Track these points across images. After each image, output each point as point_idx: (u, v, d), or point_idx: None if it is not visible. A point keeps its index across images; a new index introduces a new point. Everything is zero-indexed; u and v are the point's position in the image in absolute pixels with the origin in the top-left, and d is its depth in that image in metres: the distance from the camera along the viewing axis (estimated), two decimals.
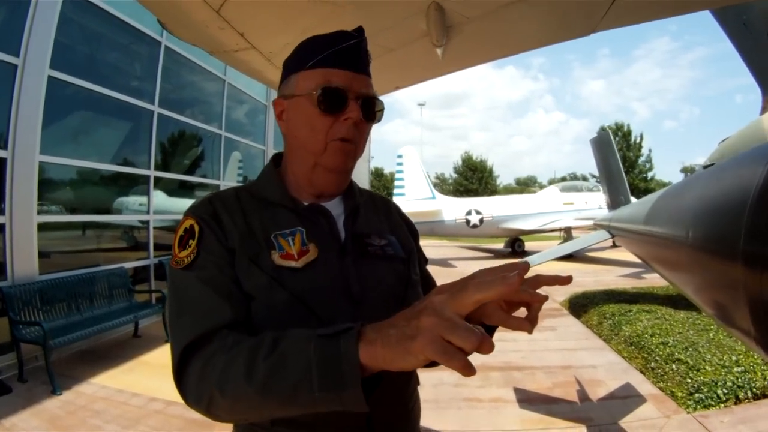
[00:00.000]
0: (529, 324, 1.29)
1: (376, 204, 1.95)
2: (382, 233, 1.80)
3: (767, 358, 1.92)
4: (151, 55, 11.46)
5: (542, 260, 14.07)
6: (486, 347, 0.91)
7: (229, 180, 15.63)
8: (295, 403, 1.14)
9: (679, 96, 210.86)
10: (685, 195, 3.01)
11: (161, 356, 8.52)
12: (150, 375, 7.44)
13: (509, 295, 1.22)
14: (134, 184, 11.50)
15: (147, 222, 11.48)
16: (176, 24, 2.48)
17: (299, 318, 1.44)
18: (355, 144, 1.63)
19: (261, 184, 1.75)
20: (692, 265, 2.59)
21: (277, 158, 1.84)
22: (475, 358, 0.94)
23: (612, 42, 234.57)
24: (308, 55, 1.62)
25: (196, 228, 1.53)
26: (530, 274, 1.18)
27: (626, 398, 6.83)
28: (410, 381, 1.71)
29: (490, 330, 1.55)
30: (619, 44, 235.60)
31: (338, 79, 1.57)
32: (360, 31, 1.66)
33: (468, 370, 0.92)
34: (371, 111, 1.65)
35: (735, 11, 6.47)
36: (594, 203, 27.04)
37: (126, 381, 7.23)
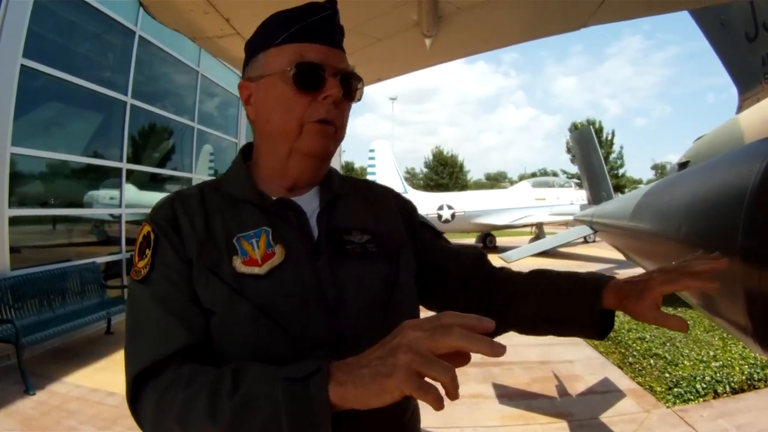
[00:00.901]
0: (685, 324, 1.30)
1: (363, 194, 1.71)
2: (365, 228, 1.57)
3: (764, 354, 1.91)
4: (125, 45, 11.29)
5: (521, 256, 14.19)
6: (454, 385, 0.90)
7: (200, 173, 15.44)
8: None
9: (651, 94, 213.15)
10: (676, 191, 3.01)
11: None
12: (120, 372, 7.23)
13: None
14: (106, 177, 11.35)
15: (119, 216, 11.35)
16: (159, 7, 2.39)
17: (265, 333, 1.29)
18: (335, 125, 1.45)
19: (227, 179, 1.57)
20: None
21: (247, 150, 1.65)
22: None
23: (585, 39, 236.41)
24: (276, 30, 1.46)
25: (152, 236, 1.39)
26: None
27: (605, 393, 6.89)
28: (409, 406, 1.56)
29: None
30: (593, 41, 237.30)
31: (313, 53, 1.41)
32: (332, 1, 1.49)
33: (440, 403, 0.90)
34: (350, 89, 1.48)
35: (713, 11, 6.51)
36: (566, 199, 27.26)
37: (100, 380, 7.12)
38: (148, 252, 1.36)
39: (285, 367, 1.07)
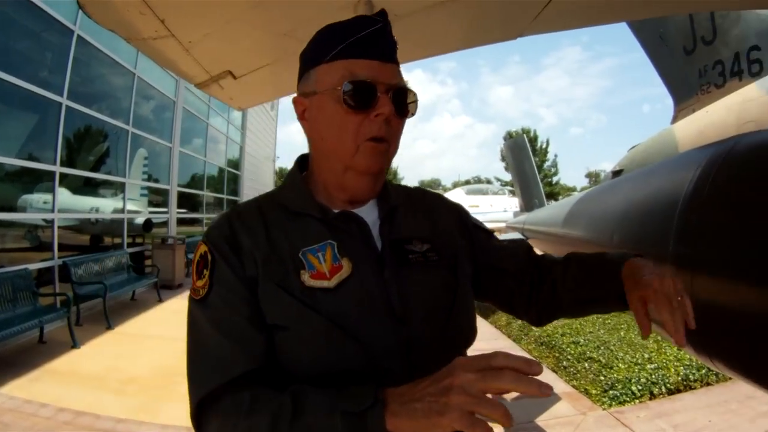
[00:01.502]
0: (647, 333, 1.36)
1: (415, 202, 1.70)
2: (423, 237, 1.57)
3: (697, 356, 1.97)
4: (63, 44, 10.94)
5: None
6: (508, 418, 0.93)
7: (134, 178, 15.14)
8: None
9: (586, 104, 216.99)
10: (608, 199, 3.07)
11: (68, 363, 8.20)
12: (57, 383, 7.14)
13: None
14: (39, 181, 10.95)
15: (51, 221, 10.94)
16: (95, 7, 2.34)
17: (337, 345, 1.29)
18: (388, 142, 1.41)
19: (284, 191, 1.55)
20: None
21: (303, 161, 1.63)
22: None
23: (523, 49, 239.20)
24: (326, 46, 1.42)
25: (209, 257, 1.38)
26: None
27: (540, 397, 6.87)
28: None
29: None
30: (530, 52, 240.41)
31: (364, 70, 1.36)
32: (383, 14, 1.46)
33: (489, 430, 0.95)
34: (404, 104, 1.43)
35: (652, 24, 6.68)
36: (499, 206, 27.49)
37: (33, 390, 6.91)
38: (206, 272, 1.36)
39: (343, 393, 1.11)
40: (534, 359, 1.07)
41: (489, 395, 0.96)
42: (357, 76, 1.34)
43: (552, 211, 6.06)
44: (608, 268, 1.57)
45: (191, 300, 1.38)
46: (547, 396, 0.95)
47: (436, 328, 1.39)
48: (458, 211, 1.82)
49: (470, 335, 1.53)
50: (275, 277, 1.33)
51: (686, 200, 1.87)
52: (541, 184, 13.40)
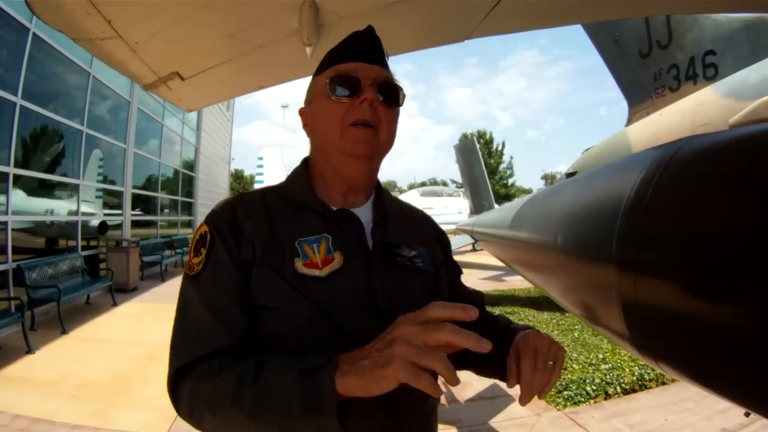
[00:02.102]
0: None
1: (407, 214, 1.90)
2: (411, 244, 1.73)
3: (642, 358, 1.98)
4: (18, 42, 10.82)
5: None
6: (450, 372, 1.07)
7: (88, 179, 15.05)
8: (279, 427, 1.23)
9: (543, 106, 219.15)
10: (554, 201, 3.08)
11: (23, 369, 8.07)
12: (12, 390, 7.04)
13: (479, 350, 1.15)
14: None
15: (5, 223, 10.76)
16: (43, 6, 2.34)
17: (323, 331, 1.41)
18: (374, 126, 1.56)
19: (289, 185, 1.71)
20: (561, 268, 2.65)
21: (307, 161, 1.79)
22: None
23: (481, 52, 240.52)
24: (324, 62, 1.66)
25: (208, 236, 1.51)
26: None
27: (494, 398, 6.98)
28: (427, 398, 1.59)
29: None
30: (488, 54, 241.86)
31: (349, 68, 1.57)
32: (370, 29, 1.66)
33: (436, 389, 1.09)
34: (391, 95, 1.60)
35: (608, 28, 6.76)
36: (454, 208, 27.72)
37: None
38: (203, 251, 1.49)
39: (302, 358, 1.24)
40: (470, 306, 1.16)
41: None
42: (341, 71, 1.55)
43: (500, 213, 6.10)
44: (509, 334, 1.71)
45: (185, 276, 1.52)
46: (486, 351, 1.08)
47: None
48: (444, 239, 2.00)
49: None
50: (273, 262, 1.46)
51: (629, 202, 1.89)
52: (490, 187, 13.52)
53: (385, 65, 1.64)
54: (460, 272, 2.04)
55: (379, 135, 1.57)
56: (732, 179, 1.58)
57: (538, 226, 3.18)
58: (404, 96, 1.64)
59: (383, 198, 1.77)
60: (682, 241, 1.66)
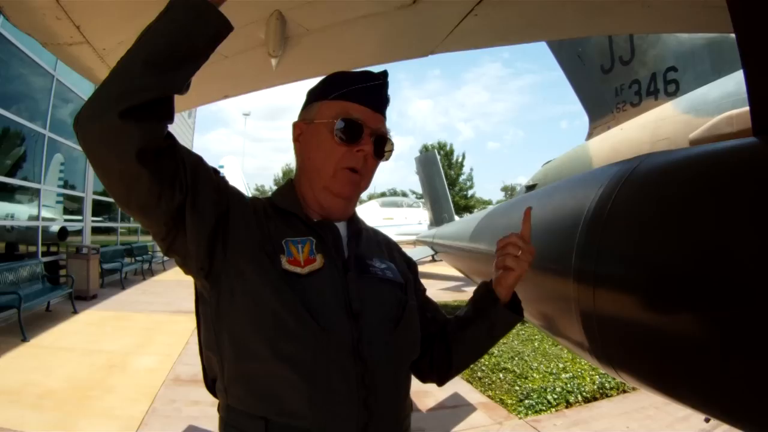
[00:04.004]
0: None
1: (378, 238, 2.00)
2: (381, 259, 1.84)
3: (602, 368, 2.04)
4: None
5: None
6: None
7: (50, 184, 14.83)
8: (157, 22, 1.35)
9: (504, 119, 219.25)
10: (514, 214, 3.13)
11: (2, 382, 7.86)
12: None
13: None
14: None
15: None
16: (13, 9, 2.35)
17: (301, 322, 1.48)
18: (362, 175, 1.71)
19: (280, 197, 1.82)
20: (522, 280, 2.70)
21: (292, 181, 1.89)
22: None
23: (444, 64, 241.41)
24: (334, 87, 1.73)
25: (221, 177, 1.63)
26: None
27: (456, 407, 7.01)
28: (404, 402, 1.71)
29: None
30: (451, 67, 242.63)
31: (357, 112, 1.67)
32: (385, 74, 1.77)
33: None
34: (382, 149, 1.75)
35: (571, 43, 6.82)
36: (414, 219, 27.78)
37: None
38: (214, 170, 1.61)
39: None
40: None
41: None
42: (351, 115, 1.66)
43: (460, 225, 6.16)
44: (482, 301, 1.91)
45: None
46: None
47: (384, 333, 1.61)
48: (411, 262, 2.09)
49: (414, 349, 1.78)
50: (265, 248, 1.58)
51: (588, 216, 1.95)
52: (450, 199, 13.57)
53: (385, 115, 1.78)
54: (425, 290, 2.11)
55: (362, 182, 1.74)
56: (687, 196, 1.64)
57: (499, 238, 3.24)
58: (391, 152, 1.80)
59: (358, 219, 1.88)
60: (639, 254, 1.73)
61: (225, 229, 1.56)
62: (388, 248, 1.98)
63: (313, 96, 1.79)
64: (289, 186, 1.85)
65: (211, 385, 1.74)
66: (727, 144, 1.68)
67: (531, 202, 2.97)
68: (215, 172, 1.62)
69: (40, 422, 6.14)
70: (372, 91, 1.72)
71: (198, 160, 1.52)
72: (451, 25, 2.34)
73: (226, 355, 1.55)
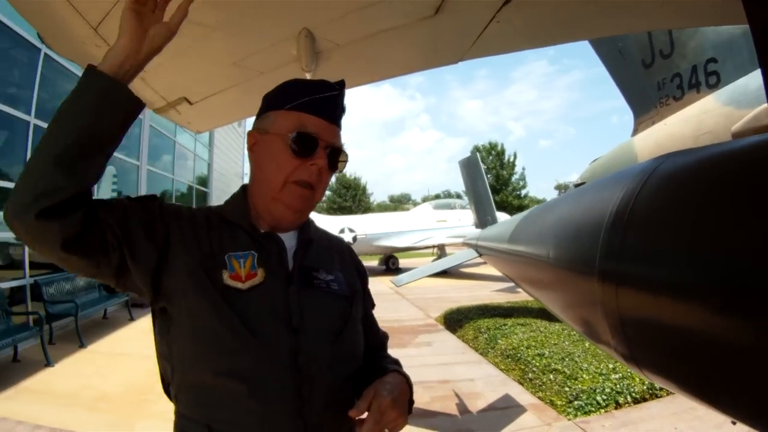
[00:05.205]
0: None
1: (331, 243, 2.03)
2: (330, 270, 1.86)
3: (631, 368, 2.05)
4: (30, 62, 10.95)
5: (412, 279, 14.35)
6: None
7: (103, 195, 14.77)
8: (65, 111, 1.44)
9: (554, 116, 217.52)
10: (548, 216, 3.13)
11: (42, 381, 8.18)
12: (32, 401, 7.14)
13: None
14: (5, 200, 10.69)
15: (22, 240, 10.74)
16: (54, 38, 2.46)
17: (239, 337, 1.54)
18: (314, 189, 1.73)
19: (228, 207, 1.85)
20: (554, 282, 2.72)
21: (245, 188, 1.90)
22: None
23: (490, 64, 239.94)
24: (289, 96, 1.74)
25: (156, 203, 1.69)
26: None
27: (506, 409, 6.99)
28: (345, 413, 1.64)
29: None
30: (497, 66, 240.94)
31: (312, 126, 1.68)
32: (341, 84, 1.79)
33: None
34: (335, 161, 1.76)
35: (610, 39, 6.75)
36: (467, 220, 27.56)
37: (8, 408, 6.90)
38: (144, 199, 1.68)
39: None
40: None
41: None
42: (305, 128, 1.67)
43: (501, 228, 6.14)
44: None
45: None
46: None
47: (324, 345, 1.66)
48: (363, 270, 2.12)
49: (355, 362, 1.81)
50: (206, 266, 1.62)
51: (611, 218, 1.95)
52: (498, 200, 13.50)
53: (340, 125, 1.80)
54: (373, 306, 2.15)
55: (315, 194, 1.76)
56: (707, 195, 1.64)
57: (533, 240, 3.23)
58: (345, 163, 1.83)
59: (308, 227, 1.91)
60: (659, 254, 1.73)
61: (166, 258, 1.61)
62: (341, 257, 2.01)
63: (268, 105, 1.81)
64: (241, 195, 1.87)
65: (167, 389, 1.78)
66: (750, 140, 1.68)
67: (562, 203, 2.99)
68: (149, 199, 1.69)
69: (96, 424, 6.34)
70: (328, 102, 1.75)
71: (123, 212, 1.56)
72: (476, 32, 2.36)
73: (176, 366, 1.63)
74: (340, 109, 1.79)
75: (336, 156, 1.76)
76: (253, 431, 1.54)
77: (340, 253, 2.02)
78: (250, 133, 1.80)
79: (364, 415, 1.58)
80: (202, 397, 1.57)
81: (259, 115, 1.83)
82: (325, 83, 1.76)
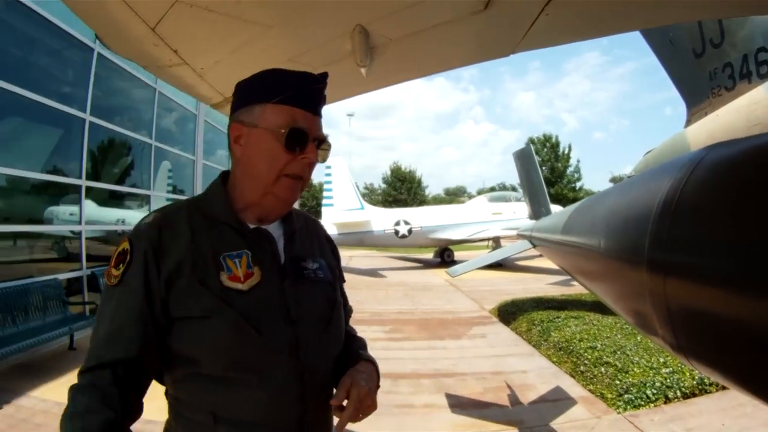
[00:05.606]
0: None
1: (309, 227, 2.08)
2: (314, 256, 1.95)
3: (678, 357, 2.06)
4: (84, 62, 11.12)
5: (465, 270, 14.30)
6: None
7: (159, 190, 15.36)
8: None
9: (608, 108, 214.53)
10: (599, 206, 3.14)
11: None
12: None
13: None
14: (65, 194, 11.17)
15: (79, 232, 11.18)
16: (112, 39, 2.52)
17: (245, 335, 1.61)
18: (304, 180, 1.79)
19: (209, 202, 1.84)
20: (605, 273, 2.73)
21: (225, 175, 1.92)
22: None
23: (543, 56, 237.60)
24: (275, 89, 1.73)
25: (128, 257, 1.64)
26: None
27: (557, 401, 6.99)
28: (331, 393, 1.78)
29: None
30: (550, 58, 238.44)
31: (303, 121, 1.72)
32: (324, 76, 1.80)
33: None
34: (322, 154, 1.81)
35: (661, 29, 6.66)
36: (522, 213, 27.22)
37: (64, 394, 6.91)
38: (122, 267, 1.64)
39: None
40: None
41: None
42: (297, 123, 1.71)
43: (554, 219, 6.11)
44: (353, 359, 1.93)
45: (105, 284, 1.71)
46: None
47: (317, 333, 1.78)
48: (334, 247, 2.22)
49: (340, 344, 1.94)
50: (199, 275, 1.64)
51: (659, 208, 1.96)
52: (552, 192, 13.40)
53: (321, 115, 1.83)
54: (344, 281, 2.19)
55: (303, 185, 1.81)
56: (754, 184, 1.65)
57: (585, 231, 3.24)
58: (328, 151, 1.85)
59: (291, 217, 1.96)
60: (705, 243, 1.75)
61: (167, 305, 1.62)
62: (318, 240, 2.09)
63: (252, 96, 1.78)
64: (219, 190, 1.86)
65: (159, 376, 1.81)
66: None
67: (613, 194, 2.99)
68: (130, 276, 1.63)
69: (147, 409, 6.40)
70: (315, 95, 1.78)
71: (139, 352, 1.59)
72: (525, 26, 2.37)
73: (178, 359, 1.66)
74: (323, 100, 1.82)
75: (321, 146, 1.80)
76: (258, 418, 1.64)
77: (317, 236, 2.10)
78: (233, 125, 1.79)
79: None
80: (207, 387, 1.63)
81: (239, 106, 1.81)
82: (310, 75, 1.78)
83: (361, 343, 2.11)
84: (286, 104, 1.72)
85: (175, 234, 1.69)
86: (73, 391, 1.55)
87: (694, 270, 1.79)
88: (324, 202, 29.16)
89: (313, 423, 1.77)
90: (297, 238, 1.93)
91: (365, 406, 1.70)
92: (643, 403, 6.64)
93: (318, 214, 31.74)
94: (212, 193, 1.87)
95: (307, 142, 1.72)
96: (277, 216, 1.88)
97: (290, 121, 1.70)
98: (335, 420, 1.73)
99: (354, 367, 1.83)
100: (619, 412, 6.48)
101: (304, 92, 1.75)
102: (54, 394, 7.05)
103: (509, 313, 13.02)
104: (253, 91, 1.78)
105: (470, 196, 70.66)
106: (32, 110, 9.56)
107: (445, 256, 29.43)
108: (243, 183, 1.81)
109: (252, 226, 1.81)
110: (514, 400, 7.09)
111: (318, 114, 1.80)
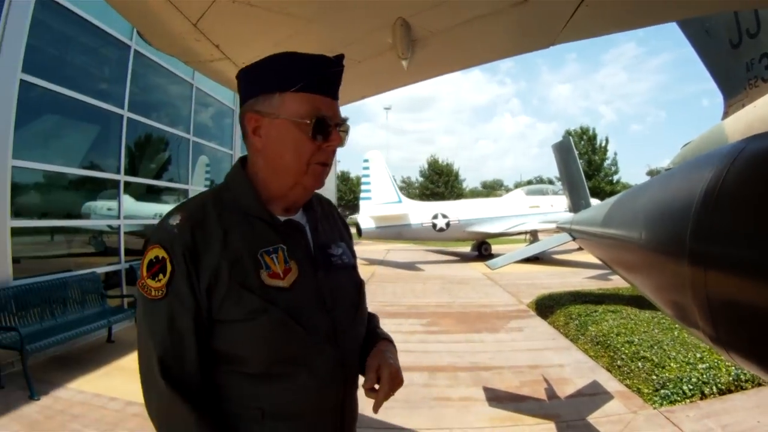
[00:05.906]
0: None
1: (325, 210, 2.06)
2: (336, 241, 1.97)
3: (719, 352, 2.05)
4: (121, 59, 11.30)
5: (505, 263, 14.28)
6: None
7: (197, 184, 15.41)
8: None
9: (645, 99, 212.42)
10: (639, 198, 3.13)
11: (135, 361, 8.22)
12: (126, 379, 7.32)
13: None
14: (103, 188, 11.37)
15: (117, 227, 11.37)
16: (154, 35, 2.57)
17: (290, 332, 1.62)
18: (330, 166, 1.77)
19: (236, 194, 1.76)
20: (645, 265, 2.72)
21: (243, 161, 1.86)
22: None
23: (579, 47, 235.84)
24: (293, 76, 1.66)
25: (168, 266, 1.57)
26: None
27: (593, 395, 6.97)
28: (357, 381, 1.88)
29: None
30: (587, 49, 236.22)
31: (326, 108, 1.69)
32: (341, 58, 1.75)
33: None
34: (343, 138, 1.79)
35: (698, 19, 6.58)
36: (560, 206, 27.05)
37: (102, 385, 7.20)
38: (163, 279, 1.58)
39: None
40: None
41: None
42: (321, 112, 1.67)
43: (594, 211, 6.07)
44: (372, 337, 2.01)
45: (143, 297, 1.62)
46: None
47: (350, 318, 1.84)
48: (346, 224, 2.22)
49: (365, 324, 2.01)
50: (239, 277, 1.61)
51: (700, 200, 1.96)
52: (590, 185, 13.27)
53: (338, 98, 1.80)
54: (355, 257, 2.15)
55: (328, 170, 1.79)
56: None
57: (626, 223, 3.23)
58: (347, 133, 1.81)
59: (312, 203, 1.94)
60: (747, 235, 1.74)
61: (210, 309, 1.60)
62: (335, 222, 2.09)
63: (267, 84, 1.70)
64: (244, 181, 1.79)
65: None
66: None
67: (653, 186, 2.99)
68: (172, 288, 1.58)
69: None
70: (333, 79, 1.74)
71: (185, 349, 1.59)
72: (565, 17, 2.37)
73: (215, 357, 1.65)
74: (339, 84, 1.78)
75: (344, 132, 1.78)
76: (305, 408, 1.68)
77: (333, 217, 2.11)
78: (250, 116, 1.71)
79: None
80: (251, 383, 1.64)
81: (251, 94, 1.73)
82: (326, 59, 1.71)
83: (375, 320, 2.16)
84: (306, 92, 1.66)
85: (207, 234, 1.62)
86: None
87: (735, 262, 1.78)
88: (362, 195, 29.14)
89: (351, 404, 1.86)
90: (320, 224, 1.93)
91: (396, 384, 1.77)
92: (679, 398, 6.58)
93: (356, 207, 31.68)
94: (237, 184, 1.79)
95: (332, 130, 1.70)
96: (302, 204, 1.88)
97: (313, 110, 1.65)
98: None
99: (377, 348, 1.90)
100: (655, 408, 6.44)
101: (323, 77, 1.70)
102: (91, 386, 7.19)
103: (546, 306, 12.96)
104: (268, 79, 1.71)
105: (507, 190, 70.46)
106: (71, 107, 9.76)
107: (482, 250, 29.31)
108: (268, 175, 1.75)
109: (282, 218, 1.79)
110: (551, 394, 7.08)
111: (336, 98, 1.77)
